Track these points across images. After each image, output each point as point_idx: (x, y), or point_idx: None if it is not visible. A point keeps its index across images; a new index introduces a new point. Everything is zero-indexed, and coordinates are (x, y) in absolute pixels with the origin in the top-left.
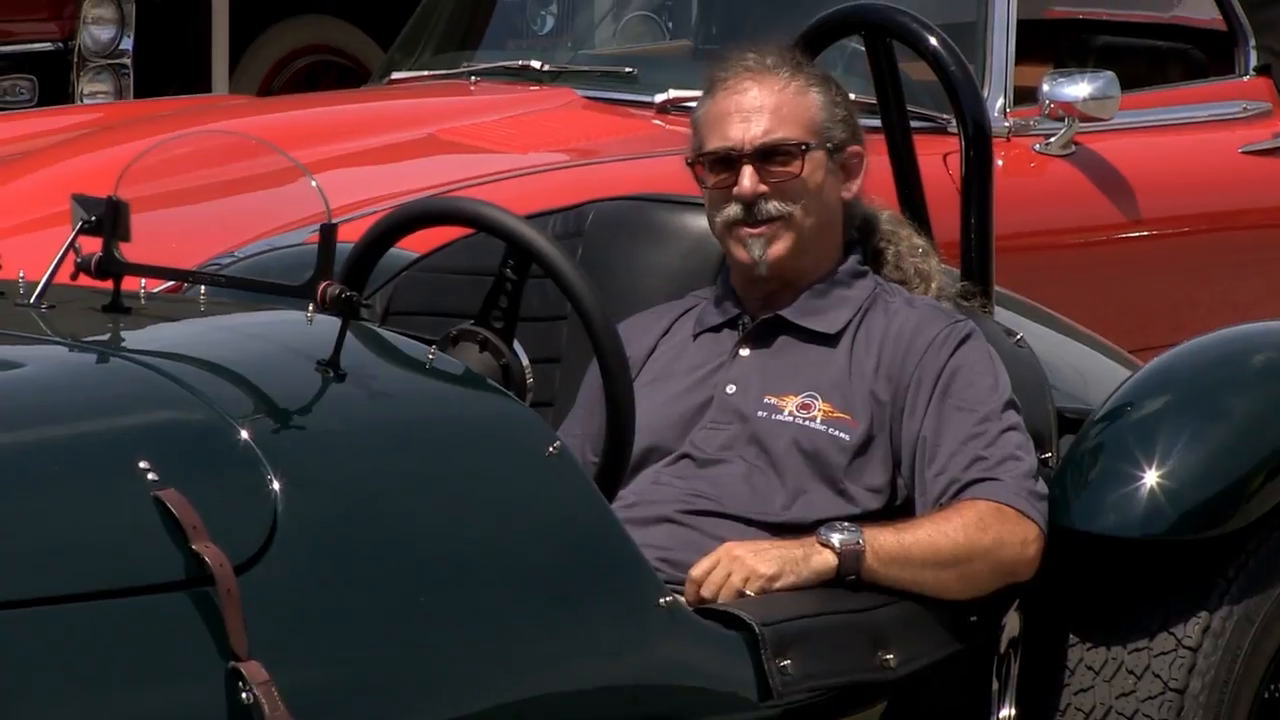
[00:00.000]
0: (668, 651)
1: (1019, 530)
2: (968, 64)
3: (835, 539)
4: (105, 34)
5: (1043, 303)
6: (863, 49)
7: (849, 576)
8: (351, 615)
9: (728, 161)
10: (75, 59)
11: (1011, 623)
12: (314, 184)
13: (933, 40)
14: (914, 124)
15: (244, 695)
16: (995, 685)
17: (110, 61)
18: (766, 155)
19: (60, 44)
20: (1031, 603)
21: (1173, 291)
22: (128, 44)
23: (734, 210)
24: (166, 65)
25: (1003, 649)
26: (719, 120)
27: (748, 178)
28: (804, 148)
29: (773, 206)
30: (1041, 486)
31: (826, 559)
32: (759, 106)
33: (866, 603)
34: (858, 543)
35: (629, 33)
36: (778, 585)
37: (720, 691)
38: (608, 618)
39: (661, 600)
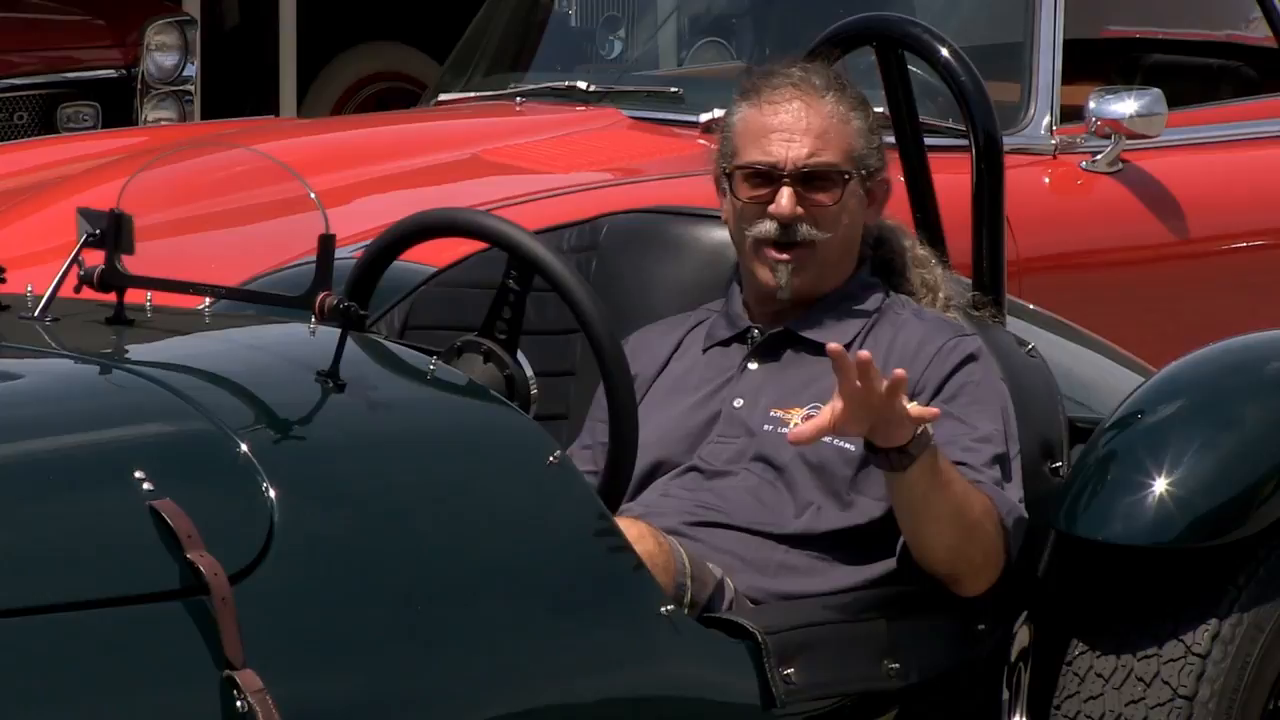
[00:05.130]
0: (670, 661)
1: (1000, 543)
2: (979, 75)
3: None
4: (169, 61)
5: (1088, 322)
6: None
7: (901, 466)
8: (348, 625)
9: (767, 178)
10: (139, 86)
11: (1021, 632)
12: (312, 195)
13: (944, 51)
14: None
15: (239, 704)
16: (1005, 694)
17: (174, 88)
18: (807, 179)
19: (124, 71)
20: (1041, 611)
21: (1221, 310)
22: (191, 71)
23: (768, 227)
24: (235, 93)
25: (1013, 658)
26: (760, 133)
27: (787, 198)
28: (846, 176)
29: (807, 230)
30: (1021, 517)
31: (905, 430)
32: (805, 128)
33: (872, 611)
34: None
35: (697, 59)
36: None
37: (723, 701)
38: (610, 627)
39: (663, 609)
